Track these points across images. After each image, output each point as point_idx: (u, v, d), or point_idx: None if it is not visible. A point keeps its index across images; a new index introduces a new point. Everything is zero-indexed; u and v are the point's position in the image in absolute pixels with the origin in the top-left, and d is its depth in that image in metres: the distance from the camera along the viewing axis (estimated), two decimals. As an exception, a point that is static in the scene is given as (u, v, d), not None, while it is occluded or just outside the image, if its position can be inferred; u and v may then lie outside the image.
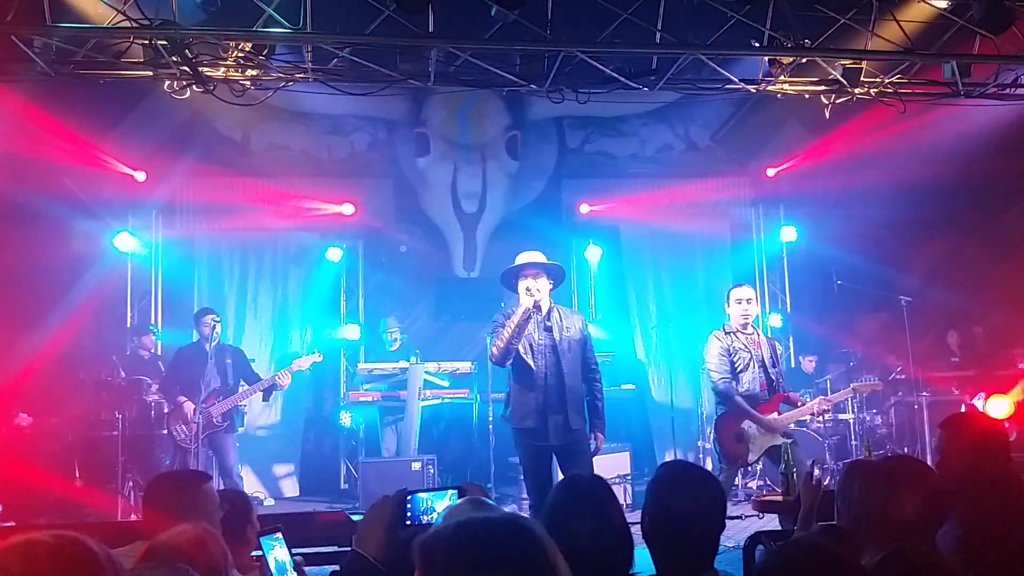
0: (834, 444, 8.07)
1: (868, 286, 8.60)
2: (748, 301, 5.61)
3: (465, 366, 7.95)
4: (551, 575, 1.35)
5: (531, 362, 4.90)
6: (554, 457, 5.02)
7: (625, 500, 7.06)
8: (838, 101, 6.53)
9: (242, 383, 6.97)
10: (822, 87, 6.47)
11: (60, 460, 6.98)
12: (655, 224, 9.61)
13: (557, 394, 4.86)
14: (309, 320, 9.18)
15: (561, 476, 4.90)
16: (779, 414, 5.51)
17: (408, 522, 2.09)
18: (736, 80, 6.40)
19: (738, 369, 5.50)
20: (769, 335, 6.76)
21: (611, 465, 7.02)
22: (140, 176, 8.73)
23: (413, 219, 9.73)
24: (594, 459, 5.04)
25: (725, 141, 9.86)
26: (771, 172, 9.75)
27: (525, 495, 5.87)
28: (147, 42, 5.49)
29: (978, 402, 7.95)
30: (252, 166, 9.19)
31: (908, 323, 8.02)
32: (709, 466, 7.09)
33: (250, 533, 2.71)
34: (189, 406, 6.63)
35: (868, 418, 8.24)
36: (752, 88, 6.47)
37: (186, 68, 5.60)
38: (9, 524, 5.91)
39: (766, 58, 6.19)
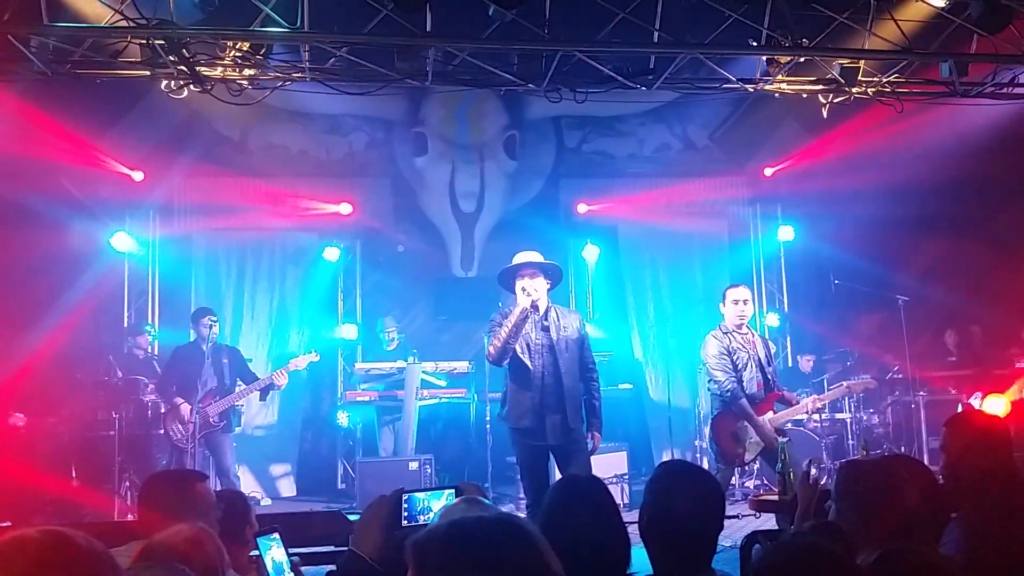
0: (831, 443, 8.08)
1: (865, 285, 8.62)
2: (745, 302, 5.61)
3: (462, 366, 7.95)
4: (545, 574, 1.34)
5: (528, 361, 4.89)
6: (551, 456, 5.02)
7: (622, 500, 7.06)
8: (836, 100, 6.53)
9: (239, 383, 6.96)
10: (820, 86, 6.47)
11: (57, 460, 6.97)
12: (653, 224, 9.62)
13: (554, 393, 4.86)
14: (306, 320, 9.18)
15: (559, 475, 4.90)
16: (775, 413, 5.51)
17: (405, 522, 2.09)
18: (734, 79, 6.40)
19: (738, 368, 5.50)
20: (764, 335, 6.78)
21: (608, 465, 7.02)
22: (137, 176, 8.72)
23: (411, 219, 9.73)
24: (591, 458, 5.04)
25: (723, 141, 9.86)
26: (769, 172, 9.76)
27: (522, 495, 5.88)
28: (144, 42, 5.48)
29: (975, 401, 7.96)
30: (250, 166, 9.18)
31: (905, 322, 8.03)
32: (706, 465, 7.10)
33: (248, 533, 2.70)
34: (186, 406, 6.62)
35: (865, 417, 8.25)
36: (750, 87, 6.47)
37: (183, 68, 5.59)
38: (5, 524, 5.90)
39: (764, 57, 6.20)
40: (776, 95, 6.68)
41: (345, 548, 2.12)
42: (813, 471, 3.33)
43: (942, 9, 5.91)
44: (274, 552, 2.37)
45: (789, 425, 6.24)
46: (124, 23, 5.22)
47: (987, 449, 2.94)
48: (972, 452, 2.93)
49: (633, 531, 2.19)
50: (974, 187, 9.01)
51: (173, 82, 5.84)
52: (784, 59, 6.08)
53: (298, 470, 8.94)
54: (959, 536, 2.62)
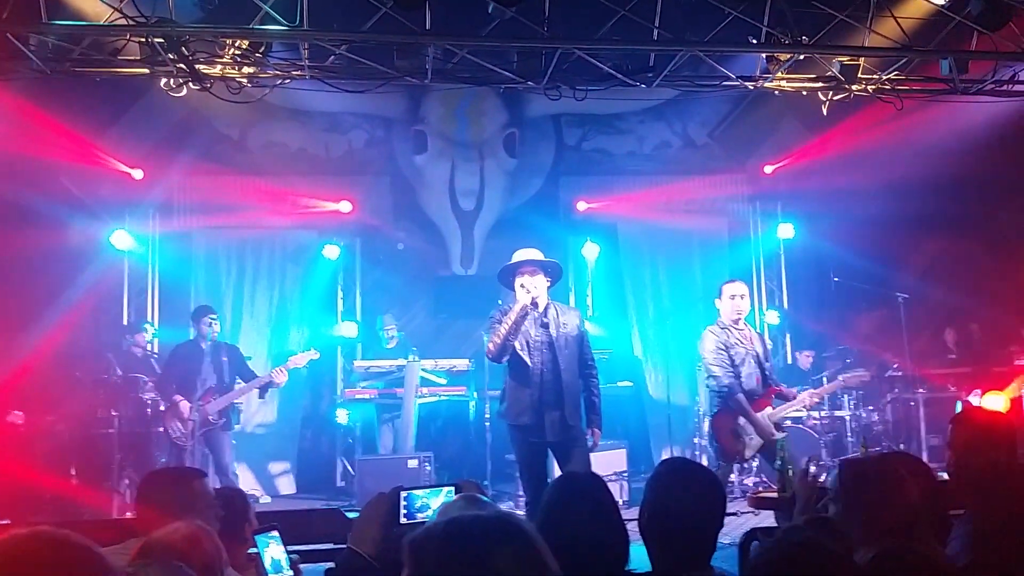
0: (830, 441, 8.08)
1: (865, 283, 8.62)
2: (741, 297, 5.61)
3: (462, 363, 7.95)
4: (542, 573, 1.34)
5: (527, 358, 4.90)
6: (551, 454, 5.02)
7: (622, 497, 7.06)
8: (836, 98, 6.53)
9: (238, 381, 6.96)
10: (819, 84, 6.47)
11: (56, 458, 6.97)
12: (653, 221, 9.61)
13: (553, 390, 4.87)
14: (306, 318, 9.17)
15: (558, 473, 4.91)
16: (773, 408, 5.52)
17: (403, 519, 2.09)
18: (734, 77, 6.39)
19: (736, 364, 5.50)
20: (761, 331, 6.78)
21: (608, 462, 7.02)
22: (137, 174, 8.71)
23: (410, 217, 9.72)
24: (591, 456, 5.04)
25: (723, 138, 9.86)
26: (769, 169, 9.75)
27: (522, 492, 5.88)
28: (143, 40, 5.47)
29: (974, 399, 7.97)
30: (249, 164, 9.17)
31: (905, 320, 8.04)
32: (705, 463, 7.10)
33: (247, 531, 2.70)
34: (185, 404, 6.62)
35: (864, 415, 8.25)
36: (750, 85, 6.47)
37: (183, 66, 5.59)
38: (5, 522, 5.90)
39: (764, 55, 6.19)
40: (776, 93, 6.67)
41: (344, 546, 2.12)
42: (812, 468, 3.33)
43: (942, 6, 5.91)
44: (272, 550, 2.38)
45: (788, 422, 6.24)
46: (123, 21, 5.21)
47: (995, 446, 2.93)
48: (979, 449, 2.91)
49: (632, 528, 2.19)
50: (974, 185, 9.01)
51: (172, 80, 5.83)
52: (784, 57, 6.07)
53: (297, 468, 8.94)
54: (967, 533, 2.60)
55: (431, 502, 2.08)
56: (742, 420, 5.42)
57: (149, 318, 8.96)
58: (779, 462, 4.40)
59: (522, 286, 4.90)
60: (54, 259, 7.95)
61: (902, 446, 8.12)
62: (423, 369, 7.80)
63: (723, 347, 5.50)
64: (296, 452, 9.00)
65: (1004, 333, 9.15)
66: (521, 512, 5.97)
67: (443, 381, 7.95)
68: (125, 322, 8.88)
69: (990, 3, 5.58)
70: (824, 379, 8.11)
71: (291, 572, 2.41)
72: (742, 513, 6.12)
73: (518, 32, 5.60)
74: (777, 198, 9.92)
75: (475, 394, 7.84)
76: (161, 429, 6.90)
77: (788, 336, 9.82)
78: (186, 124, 8.55)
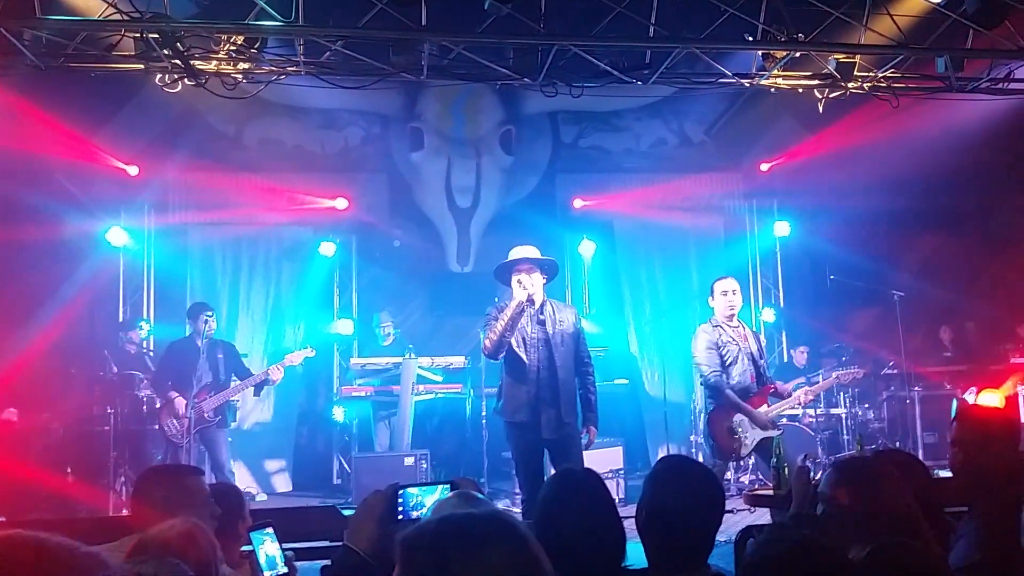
0: (826, 439, 8.09)
1: (861, 281, 8.64)
2: (733, 292, 5.61)
3: (459, 361, 7.95)
4: (535, 571, 1.34)
5: (524, 356, 4.90)
6: (546, 451, 5.02)
7: (618, 495, 7.07)
8: (831, 95, 6.53)
9: (234, 378, 6.95)
10: (815, 81, 6.47)
11: (52, 455, 6.96)
12: (649, 219, 9.62)
13: (550, 388, 4.87)
14: (302, 315, 9.16)
15: (553, 470, 4.90)
16: (768, 406, 5.52)
17: (400, 517, 2.08)
18: (730, 74, 6.39)
19: (727, 362, 5.50)
20: (757, 328, 6.79)
21: (604, 459, 7.02)
22: (133, 170, 8.69)
23: (407, 214, 9.71)
24: (587, 453, 5.05)
25: (719, 136, 9.86)
26: (765, 167, 9.76)
27: (518, 489, 5.88)
28: (138, 35, 5.45)
29: (970, 396, 8.00)
30: (245, 160, 9.15)
31: (900, 318, 8.05)
32: (701, 460, 7.10)
33: (241, 528, 2.70)
34: (181, 401, 6.61)
35: (860, 413, 8.27)
36: (746, 82, 6.46)
37: (177, 61, 5.57)
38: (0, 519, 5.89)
39: (759, 52, 6.19)
40: (772, 90, 6.68)
41: (340, 543, 2.11)
42: (808, 466, 3.34)
43: (938, 4, 5.91)
44: (267, 546, 2.37)
45: (784, 420, 6.25)
46: (118, 16, 5.20)
47: (1002, 443, 2.93)
48: (987, 446, 2.90)
49: (628, 526, 2.19)
50: (969, 183, 9.04)
51: (167, 76, 5.81)
52: (780, 54, 6.07)
53: (294, 465, 8.93)
54: (975, 530, 2.59)
55: (426, 500, 2.08)
56: (738, 418, 5.42)
57: (145, 315, 8.94)
58: (775, 459, 4.40)
59: (519, 283, 4.90)
60: (49, 256, 7.93)
61: (898, 443, 8.14)
62: (419, 366, 7.79)
63: (713, 346, 5.50)
64: (292, 449, 8.99)
65: (999, 331, 9.18)
66: (517, 510, 5.98)
67: (439, 378, 7.95)
68: (121, 319, 8.86)
69: (986, 1, 5.58)
70: (821, 377, 8.13)
71: (286, 569, 2.40)
72: (738, 511, 6.12)
73: (514, 28, 5.59)
74: (773, 196, 9.93)
75: (471, 391, 7.84)
76: (157, 426, 6.88)
77: (784, 334, 9.84)
78: (181, 120, 8.52)
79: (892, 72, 6.42)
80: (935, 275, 9.18)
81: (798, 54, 6.13)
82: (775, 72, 6.27)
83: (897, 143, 8.07)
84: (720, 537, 2.21)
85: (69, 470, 7.02)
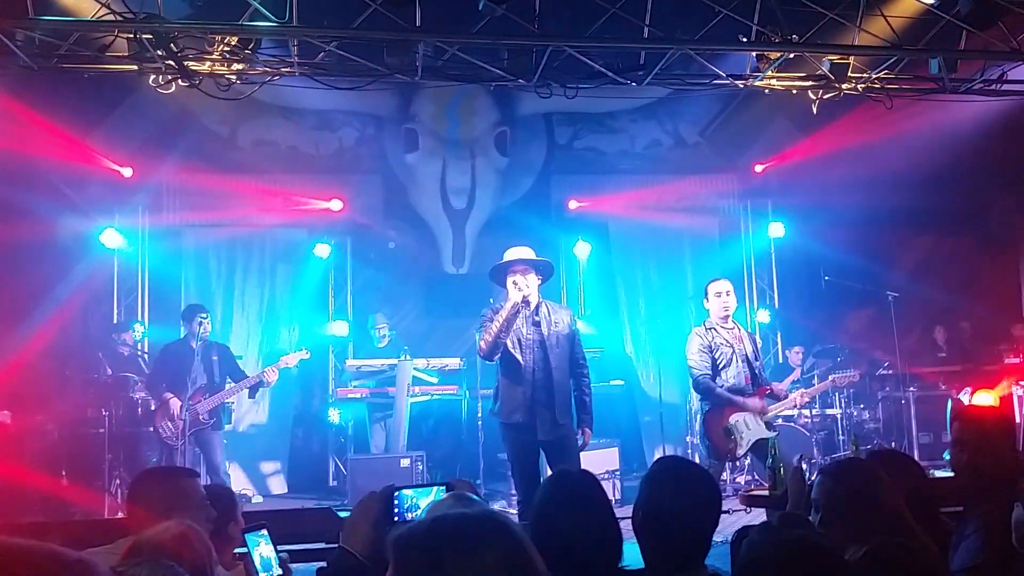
0: (822, 439, 8.11)
1: (855, 282, 8.65)
2: (727, 294, 5.61)
3: (454, 362, 7.94)
4: (528, 571, 1.33)
5: (519, 357, 4.89)
6: (542, 452, 5.02)
7: (614, 496, 7.07)
8: (825, 97, 6.54)
9: (228, 380, 6.93)
10: (809, 83, 6.48)
11: (46, 458, 6.93)
12: (644, 220, 9.63)
13: (545, 389, 4.86)
14: (297, 317, 9.14)
15: (550, 471, 4.90)
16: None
17: (395, 518, 2.08)
18: (724, 75, 6.40)
19: (721, 364, 5.50)
20: (752, 330, 6.80)
21: (600, 461, 7.03)
22: (127, 172, 8.66)
23: (402, 215, 9.70)
24: (583, 454, 5.04)
25: (714, 138, 9.88)
26: (759, 168, 9.78)
27: (514, 491, 5.87)
28: (131, 36, 5.44)
29: (964, 397, 8.02)
30: (239, 162, 9.14)
31: (895, 318, 8.07)
32: (697, 461, 7.10)
33: (233, 530, 2.69)
34: (175, 403, 6.59)
35: (855, 413, 8.29)
36: (740, 83, 6.47)
37: (171, 62, 5.56)
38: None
39: (754, 53, 6.20)
40: (766, 92, 6.69)
41: (336, 545, 2.11)
42: (804, 466, 3.34)
43: (931, 5, 5.93)
44: (262, 548, 2.37)
45: (780, 420, 6.26)
46: (111, 17, 5.18)
47: (1005, 442, 2.93)
48: (992, 446, 2.89)
49: (625, 526, 2.19)
50: (963, 184, 9.06)
51: (161, 77, 5.80)
52: (774, 55, 6.09)
53: (289, 467, 8.92)
54: (980, 529, 2.58)
55: (421, 502, 2.07)
56: (733, 418, 5.43)
57: (139, 317, 8.91)
58: (770, 460, 4.40)
59: (514, 284, 4.90)
60: (43, 257, 7.90)
61: (893, 444, 8.16)
62: (415, 368, 7.78)
63: (706, 348, 5.51)
64: (288, 451, 8.97)
65: (993, 331, 9.21)
66: (514, 511, 5.97)
67: (435, 380, 7.94)
68: (115, 321, 8.83)
69: (979, 2, 5.60)
70: (816, 378, 8.15)
71: (281, 571, 2.40)
72: (734, 511, 6.13)
73: (509, 29, 5.59)
74: (768, 197, 9.96)
75: (467, 393, 7.83)
76: (152, 429, 6.85)
77: (779, 335, 9.85)
78: (176, 122, 8.50)
79: (886, 73, 6.44)
80: (930, 276, 9.20)
81: (792, 55, 6.14)
82: (769, 73, 6.28)
83: (891, 144, 8.09)
84: (716, 537, 2.21)
85: (64, 472, 6.99)
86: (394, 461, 7.17)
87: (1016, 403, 7.75)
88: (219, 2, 5.41)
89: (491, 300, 5.35)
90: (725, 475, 7.18)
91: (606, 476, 7.08)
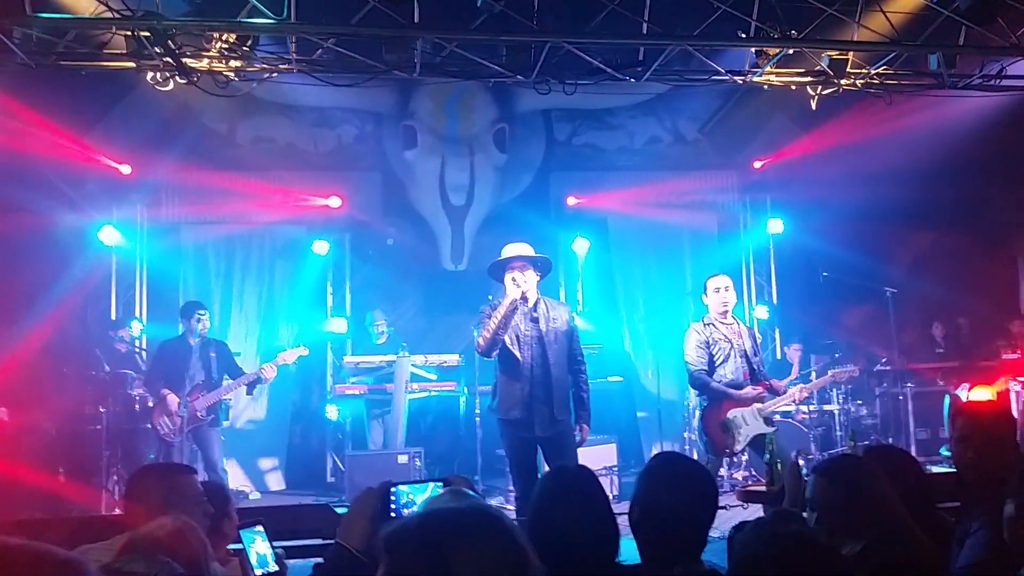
0: (819, 435, 8.11)
1: (854, 278, 8.65)
2: (726, 289, 5.62)
3: (452, 359, 7.94)
4: (520, 564, 1.32)
5: (518, 353, 4.89)
6: (540, 449, 5.02)
7: (612, 492, 7.07)
8: (824, 93, 6.54)
9: (226, 377, 6.93)
10: (808, 78, 6.48)
11: (44, 455, 6.92)
12: (643, 217, 9.62)
13: (543, 385, 4.87)
14: (295, 313, 9.14)
15: (548, 468, 4.90)
16: (762, 403, 5.53)
17: (392, 514, 2.08)
18: (723, 71, 6.40)
19: (719, 360, 5.51)
20: (751, 325, 6.80)
21: (598, 457, 7.03)
22: (125, 169, 8.66)
23: (400, 212, 9.69)
24: (581, 451, 5.05)
25: (713, 134, 9.87)
26: (758, 164, 9.77)
27: (512, 487, 5.88)
28: (129, 33, 5.43)
29: (962, 392, 8.02)
30: (238, 159, 9.13)
31: (893, 314, 8.08)
32: (695, 457, 7.12)
33: (226, 527, 2.69)
34: (173, 397, 6.59)
35: (853, 409, 8.29)
36: (739, 79, 6.47)
37: (169, 59, 5.55)
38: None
39: (753, 49, 6.19)
40: (765, 88, 6.69)
41: (333, 541, 2.11)
42: (801, 462, 3.34)
43: (930, 1, 5.92)
44: (258, 545, 2.37)
45: (777, 416, 6.26)
46: (109, 14, 5.17)
47: (1013, 439, 2.91)
48: (999, 441, 2.88)
49: (622, 522, 2.19)
50: (962, 179, 9.06)
51: (159, 74, 5.79)
52: (773, 51, 6.08)
53: (287, 464, 8.92)
54: (986, 523, 2.57)
55: (417, 498, 2.07)
56: (731, 414, 5.43)
57: (137, 314, 8.91)
58: (768, 456, 4.41)
59: (512, 280, 4.90)
60: (41, 254, 7.89)
61: (891, 439, 8.17)
62: (413, 364, 7.78)
63: (703, 344, 5.52)
64: (286, 448, 8.98)
65: (991, 327, 9.22)
66: (511, 507, 5.97)
67: (433, 376, 7.94)
68: (113, 318, 8.83)
69: (978, -2, 5.59)
70: (813, 373, 8.15)
71: (276, 567, 2.40)
72: (731, 506, 6.14)
73: (507, 26, 5.58)
74: (766, 193, 9.95)
75: (465, 389, 7.83)
76: (149, 425, 6.86)
77: (777, 331, 9.85)
78: (174, 119, 8.50)
79: (885, 69, 6.43)
80: (928, 272, 9.20)
81: (791, 51, 6.13)
82: (768, 69, 6.27)
83: (890, 140, 8.09)
84: (713, 533, 2.22)
85: (61, 469, 6.99)
86: (392, 457, 7.17)
87: (1013, 399, 7.75)
88: (216, -1, 5.41)
89: (490, 297, 5.35)
90: (723, 471, 7.19)
91: (604, 472, 7.08)
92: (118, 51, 5.64)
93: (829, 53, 6.20)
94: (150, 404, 6.98)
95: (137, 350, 8.31)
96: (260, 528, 2.40)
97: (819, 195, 9.15)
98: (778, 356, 9.47)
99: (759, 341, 5.95)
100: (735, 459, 7.16)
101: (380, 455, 7.50)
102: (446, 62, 6.09)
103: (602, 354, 8.38)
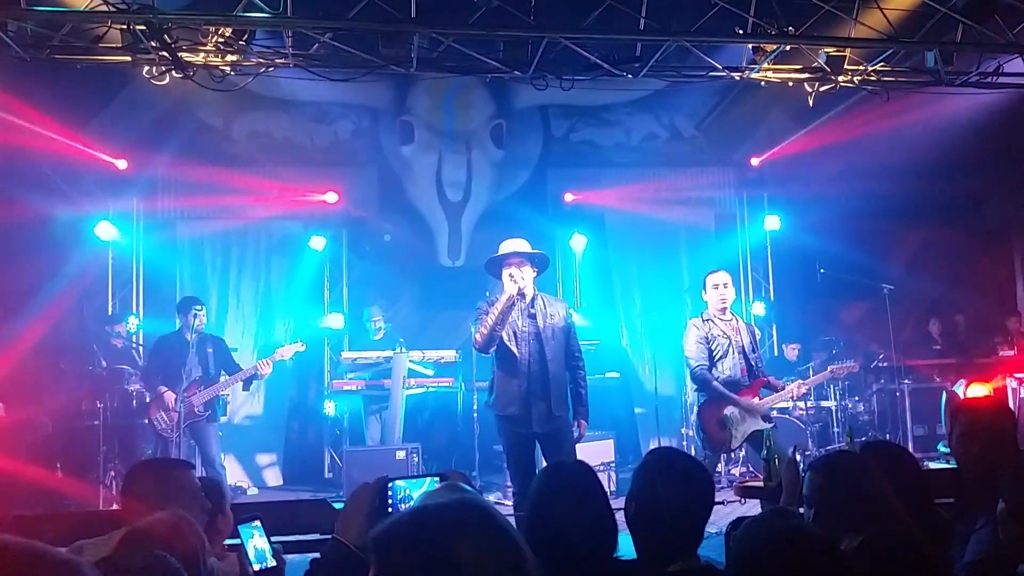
0: (816, 431, 8.13)
1: (851, 274, 8.66)
2: (725, 286, 5.63)
3: (450, 355, 7.94)
4: (512, 556, 1.31)
5: (515, 349, 4.89)
6: (538, 444, 5.02)
7: (610, 487, 7.08)
8: (822, 89, 6.54)
9: (223, 373, 6.93)
10: (806, 75, 6.48)
11: (41, 450, 6.92)
12: (640, 213, 9.62)
13: (540, 381, 4.86)
14: (292, 309, 9.13)
15: (545, 464, 4.91)
16: (760, 399, 5.54)
17: (389, 510, 2.07)
18: (720, 68, 6.39)
19: (717, 356, 5.51)
20: (750, 322, 6.81)
21: (595, 453, 7.04)
22: (121, 164, 8.64)
23: (397, 208, 9.68)
24: (578, 447, 5.04)
25: (710, 131, 9.87)
26: (755, 161, 9.78)
27: (510, 482, 5.88)
28: (125, 27, 5.41)
29: (959, 389, 8.04)
30: (234, 154, 9.11)
31: (890, 311, 8.09)
32: (693, 453, 7.13)
33: (221, 523, 2.68)
34: (170, 394, 6.58)
35: (850, 405, 8.31)
36: (736, 76, 6.46)
37: (165, 53, 5.53)
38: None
39: (750, 46, 6.19)
40: (762, 84, 6.68)
41: (330, 536, 2.11)
42: (798, 458, 3.34)
43: (928, -2, 5.93)
44: (256, 540, 2.37)
45: (775, 412, 6.26)
46: (104, 8, 5.15)
47: (1014, 434, 2.91)
48: (1005, 437, 2.87)
49: (620, 518, 2.19)
50: (959, 176, 9.08)
51: (155, 68, 5.77)
52: (770, 47, 6.08)
53: (285, 459, 8.92)
54: (992, 519, 2.57)
55: (413, 493, 2.06)
56: (728, 410, 5.44)
57: (134, 309, 8.90)
58: (765, 451, 4.41)
59: (510, 276, 4.89)
60: (37, 250, 7.88)
61: (888, 436, 8.18)
62: (410, 360, 7.78)
63: (703, 340, 5.52)
64: (283, 444, 8.98)
65: (988, 324, 9.25)
66: (509, 503, 5.98)
67: (431, 372, 7.94)
68: (110, 313, 8.81)
69: (975, -5, 5.59)
70: (811, 370, 8.16)
71: (274, 562, 2.40)
72: (728, 502, 6.15)
73: (504, 21, 5.57)
74: (763, 190, 9.96)
75: (463, 385, 7.83)
76: (146, 421, 6.85)
77: (774, 327, 9.86)
78: (170, 114, 8.47)
79: (882, 66, 6.43)
80: (925, 268, 9.22)
81: (788, 47, 6.13)
82: (765, 65, 6.27)
83: (887, 137, 8.10)
84: (711, 528, 2.22)
85: (58, 465, 6.98)
86: (390, 453, 7.17)
87: (1010, 395, 7.77)
88: (213, -8, 5.39)
89: (487, 293, 5.34)
90: (720, 467, 7.20)
91: (601, 468, 7.09)
92: (114, 45, 5.62)
93: (826, 50, 6.20)
94: (147, 400, 6.98)
95: (134, 345, 8.30)
96: (258, 523, 2.40)
97: (816, 192, 9.16)
98: (775, 353, 9.48)
99: (758, 337, 5.95)
100: (732, 455, 7.17)
101: (378, 451, 7.50)
102: (443, 57, 6.08)
103: (599, 350, 8.39)
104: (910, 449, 5.82)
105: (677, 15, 5.87)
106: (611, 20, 5.73)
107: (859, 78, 6.45)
